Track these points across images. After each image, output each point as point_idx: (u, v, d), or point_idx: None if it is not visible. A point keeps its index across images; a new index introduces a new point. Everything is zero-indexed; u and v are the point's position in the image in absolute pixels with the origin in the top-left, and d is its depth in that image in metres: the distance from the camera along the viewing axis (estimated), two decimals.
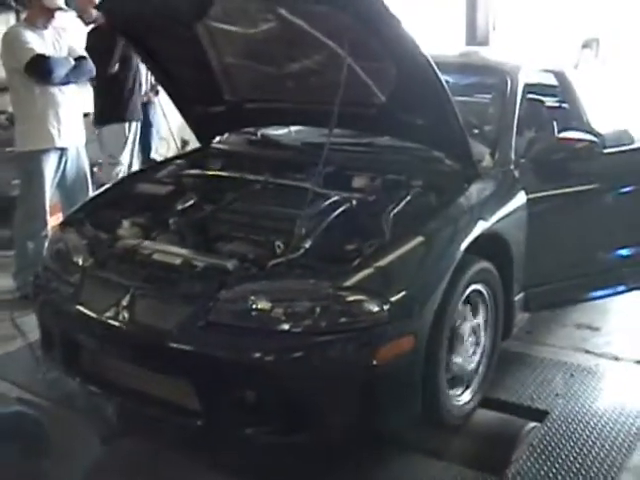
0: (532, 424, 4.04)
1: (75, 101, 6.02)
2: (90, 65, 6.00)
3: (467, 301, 3.89)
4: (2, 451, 3.17)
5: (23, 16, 6.77)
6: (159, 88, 7.31)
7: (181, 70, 4.63)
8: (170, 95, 4.84)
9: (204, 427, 3.50)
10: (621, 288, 5.00)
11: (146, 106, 7.86)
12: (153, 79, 7.44)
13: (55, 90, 5.80)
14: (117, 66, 6.67)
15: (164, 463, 3.72)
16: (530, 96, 4.88)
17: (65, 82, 5.83)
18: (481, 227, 3.87)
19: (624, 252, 4.88)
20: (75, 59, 5.87)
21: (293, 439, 3.46)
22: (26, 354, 4.64)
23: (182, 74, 4.65)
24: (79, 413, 4.01)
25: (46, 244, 4.58)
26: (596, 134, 4.67)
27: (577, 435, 3.92)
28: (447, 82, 3.80)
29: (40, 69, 5.66)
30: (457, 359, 3.87)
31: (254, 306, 3.34)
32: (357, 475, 3.63)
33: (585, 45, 9.42)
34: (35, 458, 2.84)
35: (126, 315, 3.56)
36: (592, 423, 4.02)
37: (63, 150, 5.95)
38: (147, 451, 3.81)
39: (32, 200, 5.92)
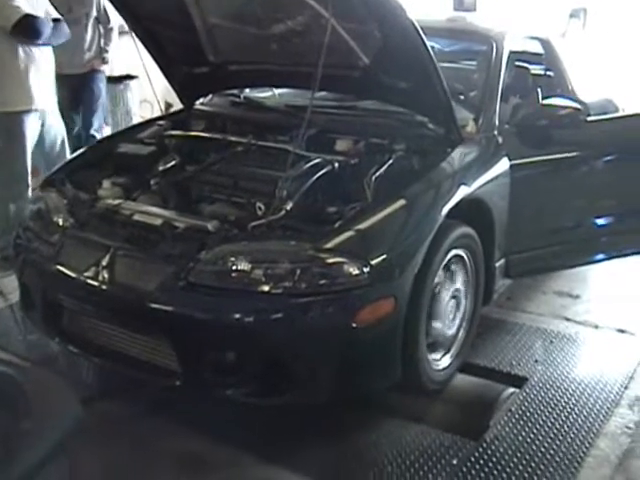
0: (511, 390, 4.06)
1: (51, 63, 5.96)
2: (66, 28, 5.94)
3: (448, 266, 3.89)
4: None
5: None
6: (106, 55, 7.14)
7: (164, 30, 4.59)
8: (153, 56, 4.80)
9: (183, 388, 3.51)
10: (601, 256, 5.01)
11: (88, 75, 7.19)
12: (103, 43, 7.14)
13: (36, 51, 5.73)
14: None
15: (141, 426, 3.72)
16: (515, 63, 4.86)
17: (46, 44, 5.78)
18: (463, 192, 3.86)
19: (605, 220, 4.88)
20: (52, 20, 5.81)
21: (272, 401, 3.47)
22: (6, 315, 4.63)
23: (165, 34, 4.61)
24: (59, 374, 3.99)
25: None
26: (580, 102, 4.67)
27: (555, 401, 3.95)
28: (433, 47, 3.79)
29: (29, 29, 5.58)
30: (437, 324, 3.87)
31: (234, 267, 3.33)
32: (336, 439, 3.63)
33: (572, 14, 9.42)
34: (14, 418, 2.82)
35: (106, 275, 3.55)
36: (570, 389, 4.05)
37: (42, 112, 5.90)
38: (126, 412, 3.81)
39: (14, 163, 5.85)
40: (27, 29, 5.58)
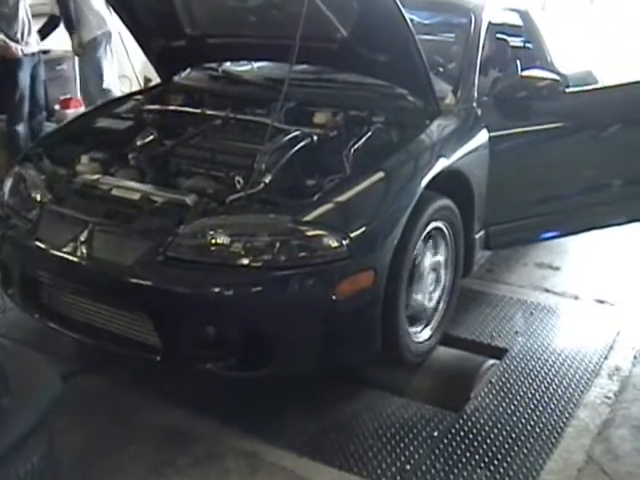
0: (491, 361, 4.09)
1: None
2: None
3: (427, 238, 3.89)
4: None
5: None
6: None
7: (141, 3, 4.55)
8: (130, 29, 4.76)
9: (163, 362, 3.50)
10: (581, 227, 5.01)
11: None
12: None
13: None
14: None
15: (122, 400, 3.73)
16: (494, 35, 4.85)
17: None
18: (442, 164, 3.85)
19: (584, 191, 4.88)
20: None
21: (253, 374, 3.47)
22: None
23: (142, 7, 4.57)
24: (38, 351, 3.99)
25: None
26: (559, 73, 4.67)
27: (535, 372, 3.98)
28: (412, 20, 3.77)
29: None
30: (417, 296, 3.88)
31: (213, 241, 3.32)
32: (316, 411, 3.65)
33: None
34: None
35: (84, 251, 3.53)
36: (550, 360, 4.08)
37: None
38: (106, 388, 3.82)
39: None
40: None
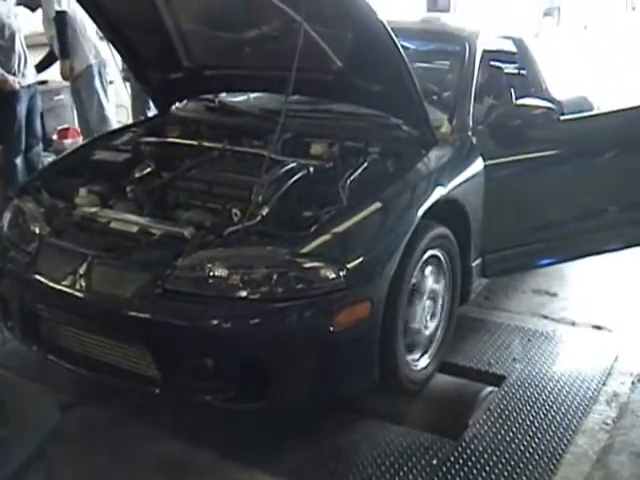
0: (489, 388, 4.09)
1: None
2: None
3: (424, 267, 3.90)
4: None
5: None
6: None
7: (137, 36, 4.58)
8: (126, 61, 4.79)
9: (162, 394, 3.51)
10: (577, 254, 5.02)
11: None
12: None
13: None
14: None
15: (122, 431, 3.73)
16: (489, 63, 4.88)
17: None
18: (438, 193, 3.87)
19: (580, 218, 4.89)
20: None
21: (252, 406, 3.48)
22: None
23: (138, 40, 4.60)
24: (37, 382, 3.99)
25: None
26: (554, 101, 4.70)
27: (534, 399, 3.97)
28: (406, 48, 3.81)
29: None
30: (415, 324, 3.89)
31: (211, 273, 3.33)
32: (315, 441, 3.65)
33: (546, 13, 9.47)
34: None
35: (83, 283, 3.55)
36: (549, 387, 4.08)
37: None
38: (105, 419, 3.82)
39: None
40: None
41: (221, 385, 3.44)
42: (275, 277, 3.29)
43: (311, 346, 3.40)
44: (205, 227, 3.60)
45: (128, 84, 6.75)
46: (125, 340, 3.56)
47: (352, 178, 3.73)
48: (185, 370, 3.44)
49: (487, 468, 3.45)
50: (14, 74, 6.69)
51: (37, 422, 2.58)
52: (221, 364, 3.41)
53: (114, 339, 3.59)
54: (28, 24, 7.32)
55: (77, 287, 3.56)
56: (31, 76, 6.96)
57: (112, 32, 4.61)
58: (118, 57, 4.77)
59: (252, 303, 3.31)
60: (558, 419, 3.80)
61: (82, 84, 7.38)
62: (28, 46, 6.97)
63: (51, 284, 3.64)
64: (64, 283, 3.59)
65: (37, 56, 7.38)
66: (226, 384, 3.43)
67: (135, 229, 3.65)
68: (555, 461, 3.50)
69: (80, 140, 7.51)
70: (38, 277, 3.70)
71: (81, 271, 3.56)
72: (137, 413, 3.83)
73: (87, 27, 7.05)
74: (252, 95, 5.01)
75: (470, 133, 4.34)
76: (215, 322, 3.31)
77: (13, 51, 6.68)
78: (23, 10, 7.05)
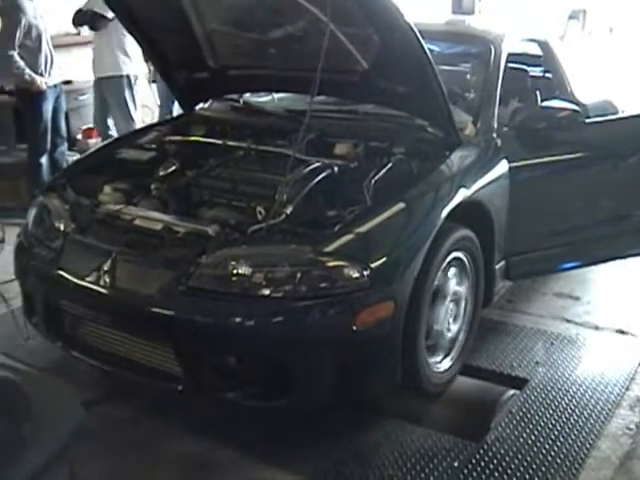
0: (512, 391, 4.07)
1: None
2: None
3: (448, 269, 3.90)
4: None
5: None
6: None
7: (164, 36, 4.60)
8: (153, 61, 4.81)
9: (185, 392, 3.52)
10: (601, 258, 5.01)
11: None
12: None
13: None
14: None
15: (144, 428, 3.74)
16: (514, 65, 4.87)
17: None
18: (462, 195, 3.87)
19: (605, 222, 4.88)
20: None
21: (273, 404, 3.48)
22: (8, 321, 4.63)
23: (165, 40, 4.62)
24: (61, 378, 4.00)
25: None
26: (579, 104, 4.68)
27: (556, 402, 3.96)
28: (431, 50, 3.80)
29: None
30: (437, 326, 3.88)
31: (235, 271, 3.34)
32: (337, 441, 3.65)
33: (572, 16, 9.43)
34: (16, 423, 2.83)
35: (107, 280, 3.57)
36: (571, 391, 4.06)
37: None
38: (128, 416, 3.83)
39: None
40: None
41: (243, 382, 3.45)
42: (299, 275, 3.29)
43: (333, 345, 3.40)
44: (229, 225, 3.61)
45: (154, 86, 6.77)
46: (148, 337, 3.58)
47: (376, 178, 3.73)
48: (207, 367, 3.46)
49: (509, 471, 3.44)
50: (41, 74, 6.76)
51: (61, 418, 2.59)
52: (243, 362, 3.44)
53: (137, 336, 3.61)
54: (54, 24, 7.34)
55: (101, 284, 3.58)
56: (57, 76, 7.02)
57: (140, 33, 4.64)
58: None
59: (275, 301, 3.31)
60: (581, 423, 3.79)
61: (109, 92, 7.42)
62: (54, 46, 7.03)
63: (75, 280, 3.66)
64: (88, 280, 3.61)
65: (63, 57, 7.42)
66: (248, 382, 3.44)
67: (159, 226, 3.66)
68: (577, 465, 3.49)
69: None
70: (62, 273, 3.72)
71: (105, 268, 3.58)
72: (159, 410, 3.86)
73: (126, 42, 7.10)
74: (277, 95, 5.02)
75: (495, 135, 4.33)
76: (238, 320, 3.32)
77: (40, 52, 6.75)
78: (48, 11, 7.06)
